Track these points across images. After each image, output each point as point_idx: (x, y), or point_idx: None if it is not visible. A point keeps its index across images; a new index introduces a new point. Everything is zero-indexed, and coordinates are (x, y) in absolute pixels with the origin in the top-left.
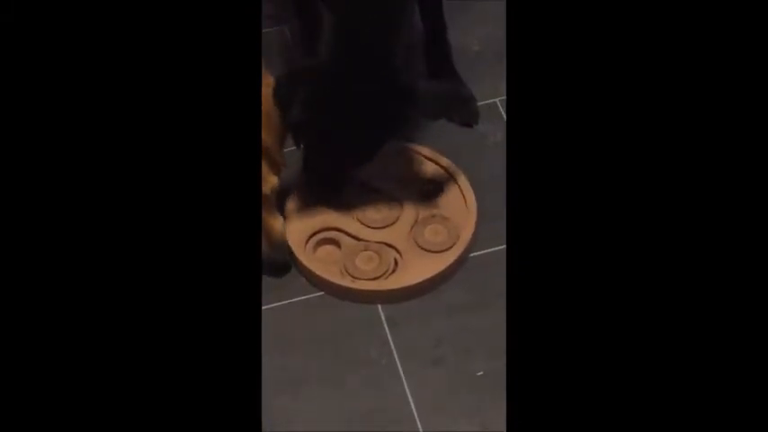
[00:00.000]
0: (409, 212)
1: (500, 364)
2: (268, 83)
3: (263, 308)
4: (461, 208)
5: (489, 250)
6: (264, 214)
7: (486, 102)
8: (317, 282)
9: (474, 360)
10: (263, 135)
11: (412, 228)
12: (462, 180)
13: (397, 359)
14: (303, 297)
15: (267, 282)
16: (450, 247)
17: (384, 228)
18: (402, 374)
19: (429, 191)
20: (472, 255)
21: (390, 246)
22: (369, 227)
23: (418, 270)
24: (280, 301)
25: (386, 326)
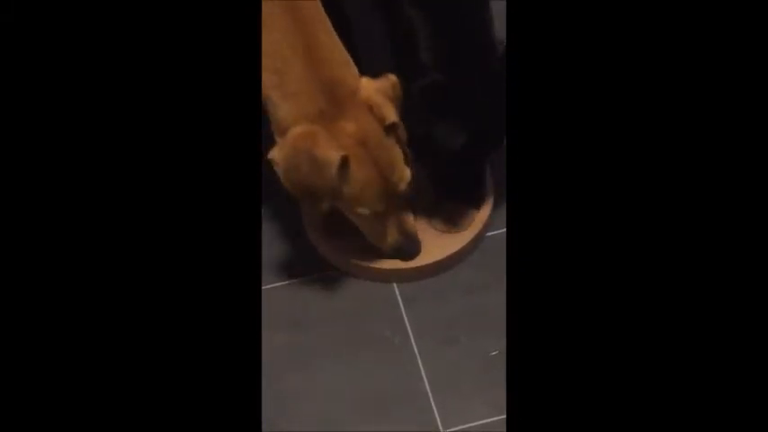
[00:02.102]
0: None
1: None
2: (391, 79)
3: (279, 284)
4: None
5: (506, 230)
6: (400, 207)
7: None
8: (334, 259)
9: (488, 339)
10: (401, 130)
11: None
12: None
13: (411, 338)
14: (319, 274)
15: (282, 258)
16: (467, 227)
17: None
18: (417, 353)
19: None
20: (488, 234)
21: None
22: None
23: (435, 249)
24: (296, 278)
25: (401, 304)
